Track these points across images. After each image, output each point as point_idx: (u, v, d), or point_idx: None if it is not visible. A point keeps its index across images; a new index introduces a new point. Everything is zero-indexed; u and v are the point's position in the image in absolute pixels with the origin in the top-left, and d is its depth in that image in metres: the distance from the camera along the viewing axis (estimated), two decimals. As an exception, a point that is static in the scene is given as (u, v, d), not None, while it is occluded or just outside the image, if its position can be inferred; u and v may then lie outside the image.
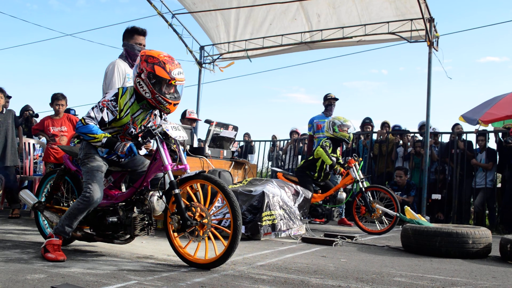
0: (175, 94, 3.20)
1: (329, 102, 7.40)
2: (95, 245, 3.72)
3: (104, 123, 3.18)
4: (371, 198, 5.86)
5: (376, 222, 5.82)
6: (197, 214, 2.96)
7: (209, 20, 8.72)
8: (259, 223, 4.57)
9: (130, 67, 4.51)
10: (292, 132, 10.27)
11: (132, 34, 4.45)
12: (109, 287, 2.35)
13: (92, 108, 3.18)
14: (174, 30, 8.57)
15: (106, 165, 3.28)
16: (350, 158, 6.12)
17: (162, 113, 3.41)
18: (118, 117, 3.19)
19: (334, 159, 6.09)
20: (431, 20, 6.97)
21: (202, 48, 9.39)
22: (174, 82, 3.12)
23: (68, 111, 6.86)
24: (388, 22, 7.49)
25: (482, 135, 7.64)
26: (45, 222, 3.74)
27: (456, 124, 8.24)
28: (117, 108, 3.17)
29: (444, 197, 7.75)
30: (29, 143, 6.50)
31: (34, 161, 6.93)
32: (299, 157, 9.68)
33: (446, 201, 7.73)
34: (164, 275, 2.73)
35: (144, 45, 4.50)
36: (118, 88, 3.25)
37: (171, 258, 3.33)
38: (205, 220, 2.95)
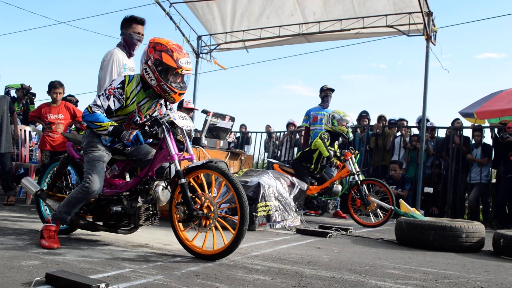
0: (181, 83, 3.17)
1: (325, 93, 7.38)
2: (90, 233, 3.71)
3: (111, 111, 3.14)
4: (367, 191, 5.89)
5: (371, 215, 5.86)
6: (205, 205, 2.94)
7: (206, 12, 8.66)
8: (254, 214, 4.58)
9: (128, 56, 4.48)
10: (289, 124, 10.28)
11: (130, 23, 4.40)
12: (103, 275, 2.36)
13: (98, 96, 3.14)
14: (172, 19, 8.47)
15: (109, 154, 3.25)
16: (346, 151, 6.14)
17: (167, 102, 3.38)
18: (124, 105, 3.15)
19: (332, 152, 6.10)
20: (429, 13, 6.94)
21: (199, 38, 9.32)
22: (181, 71, 3.08)
23: (64, 99, 6.82)
24: (386, 15, 7.46)
25: (478, 131, 7.67)
26: (47, 210, 3.74)
27: (456, 119, 8.26)
28: (124, 96, 3.13)
29: (439, 191, 7.79)
30: (25, 131, 6.47)
31: (30, 148, 6.91)
32: (295, 149, 9.70)
33: (441, 195, 7.78)
34: (159, 263, 2.74)
35: (142, 34, 4.46)
36: (125, 76, 3.20)
37: (166, 247, 3.34)
38: (211, 214, 2.93)
